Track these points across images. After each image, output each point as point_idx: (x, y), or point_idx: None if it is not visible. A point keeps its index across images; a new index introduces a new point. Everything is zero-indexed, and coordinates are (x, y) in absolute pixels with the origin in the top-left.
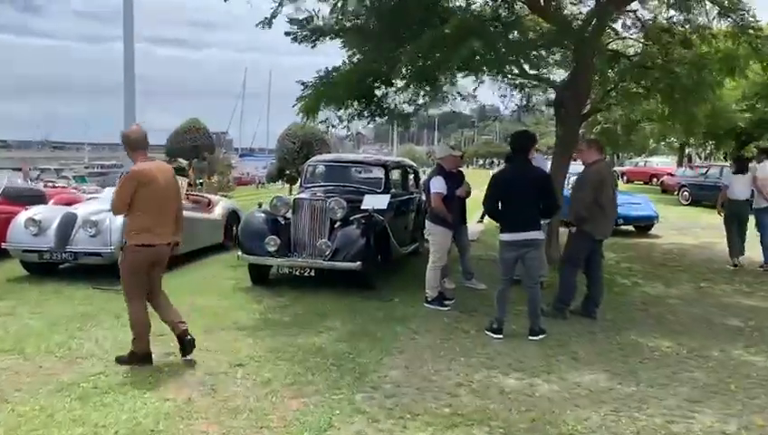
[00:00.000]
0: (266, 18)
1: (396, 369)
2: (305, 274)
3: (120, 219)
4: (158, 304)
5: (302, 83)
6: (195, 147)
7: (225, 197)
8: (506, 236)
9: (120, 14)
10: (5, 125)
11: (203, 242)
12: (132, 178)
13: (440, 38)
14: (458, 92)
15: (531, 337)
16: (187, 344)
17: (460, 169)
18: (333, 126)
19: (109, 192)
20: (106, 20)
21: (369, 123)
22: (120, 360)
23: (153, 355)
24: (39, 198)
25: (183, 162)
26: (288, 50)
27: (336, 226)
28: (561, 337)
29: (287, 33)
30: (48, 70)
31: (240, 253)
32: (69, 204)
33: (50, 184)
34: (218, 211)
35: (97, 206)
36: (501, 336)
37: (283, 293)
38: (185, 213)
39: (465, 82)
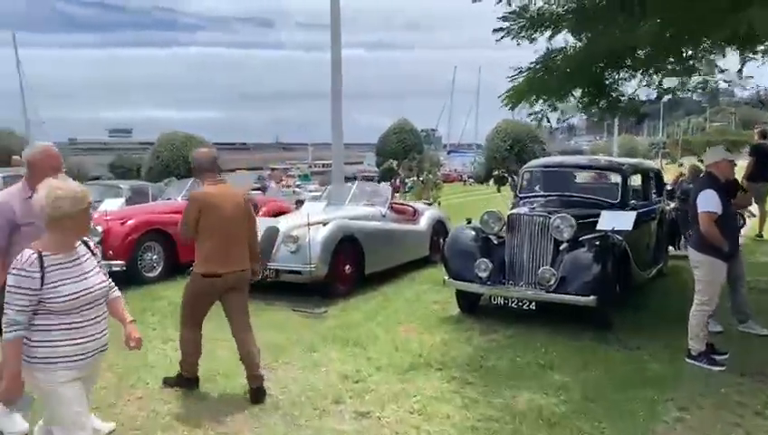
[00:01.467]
0: None
1: None
2: (524, 306)
3: (321, 235)
4: (240, 339)
5: (517, 69)
6: (403, 147)
7: (429, 204)
8: None
9: (342, 23)
10: (243, 129)
11: (408, 256)
12: (193, 202)
13: (703, 10)
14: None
15: None
16: (255, 393)
17: (733, 177)
18: (547, 119)
19: (311, 206)
20: (328, 28)
21: (595, 117)
22: (166, 382)
23: (346, 410)
24: None
25: (393, 163)
26: (497, 44)
27: (562, 248)
28: None
29: (497, 30)
30: (277, 78)
31: (446, 276)
32: (278, 214)
33: (281, 183)
34: (424, 222)
35: (298, 220)
36: None
37: (497, 328)
38: (390, 225)
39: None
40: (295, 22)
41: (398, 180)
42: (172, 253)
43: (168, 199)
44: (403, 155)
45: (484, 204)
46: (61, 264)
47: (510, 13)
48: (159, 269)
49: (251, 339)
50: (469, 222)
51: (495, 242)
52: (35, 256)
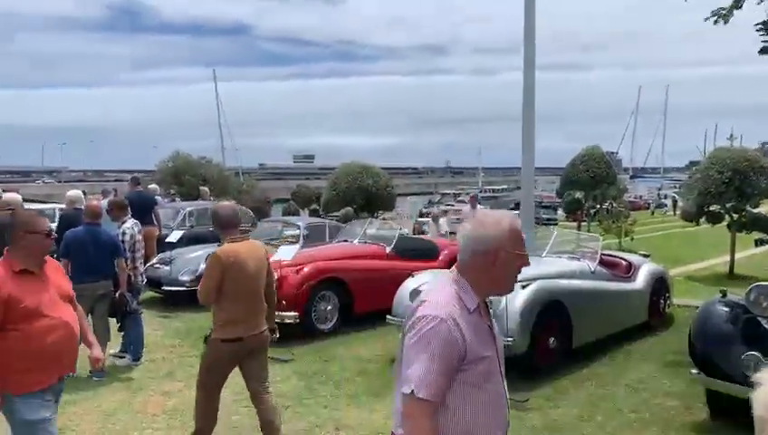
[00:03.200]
0: (722, 10)
1: None
2: None
3: (520, 300)
4: (262, 408)
5: None
6: (592, 177)
7: (646, 255)
8: None
9: (514, 47)
10: (416, 153)
11: (623, 323)
12: (217, 261)
13: None
14: None
15: None
16: None
17: None
18: None
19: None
20: (500, 52)
21: None
22: None
23: None
24: (430, 252)
25: (579, 195)
26: (686, 62)
27: None
28: None
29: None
30: (448, 103)
31: (694, 370)
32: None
33: (450, 206)
34: (641, 279)
35: None
36: None
37: None
38: (602, 284)
39: None
40: (468, 48)
41: (582, 212)
42: (347, 303)
43: (344, 241)
44: (591, 186)
45: (688, 241)
46: None
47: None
48: (333, 321)
49: (272, 407)
50: (724, 295)
51: (767, 326)
52: None
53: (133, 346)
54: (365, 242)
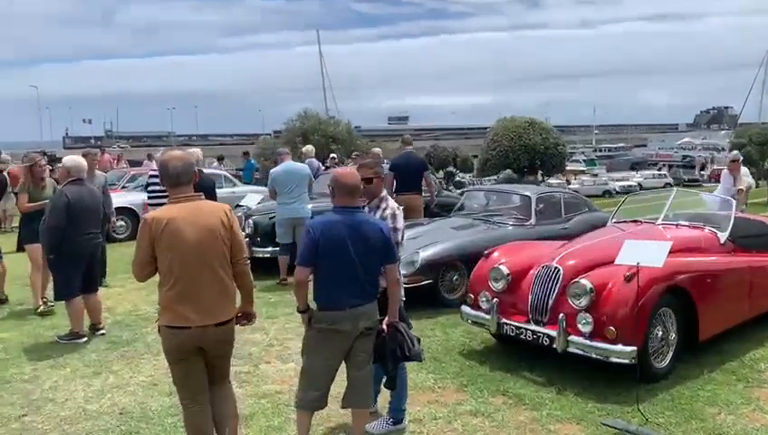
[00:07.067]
0: None
1: None
2: None
3: None
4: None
5: None
6: None
7: None
8: None
9: None
10: (512, 112)
11: None
12: (144, 229)
13: None
14: None
15: None
16: None
17: None
18: None
19: None
20: (601, 4)
21: None
22: None
23: None
24: None
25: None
26: None
27: None
28: None
29: None
30: (545, 59)
31: None
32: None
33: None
34: None
35: None
36: None
37: None
38: None
39: None
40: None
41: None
42: (686, 326)
43: (636, 223)
44: None
45: None
46: None
47: None
48: (669, 356)
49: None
50: None
51: None
52: None
53: (394, 401)
54: (676, 224)
